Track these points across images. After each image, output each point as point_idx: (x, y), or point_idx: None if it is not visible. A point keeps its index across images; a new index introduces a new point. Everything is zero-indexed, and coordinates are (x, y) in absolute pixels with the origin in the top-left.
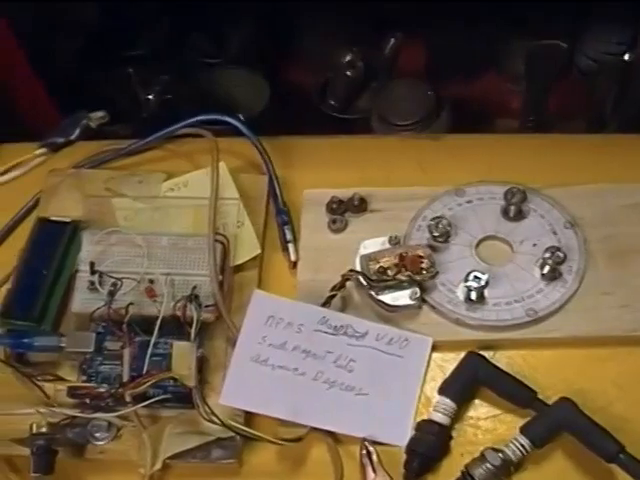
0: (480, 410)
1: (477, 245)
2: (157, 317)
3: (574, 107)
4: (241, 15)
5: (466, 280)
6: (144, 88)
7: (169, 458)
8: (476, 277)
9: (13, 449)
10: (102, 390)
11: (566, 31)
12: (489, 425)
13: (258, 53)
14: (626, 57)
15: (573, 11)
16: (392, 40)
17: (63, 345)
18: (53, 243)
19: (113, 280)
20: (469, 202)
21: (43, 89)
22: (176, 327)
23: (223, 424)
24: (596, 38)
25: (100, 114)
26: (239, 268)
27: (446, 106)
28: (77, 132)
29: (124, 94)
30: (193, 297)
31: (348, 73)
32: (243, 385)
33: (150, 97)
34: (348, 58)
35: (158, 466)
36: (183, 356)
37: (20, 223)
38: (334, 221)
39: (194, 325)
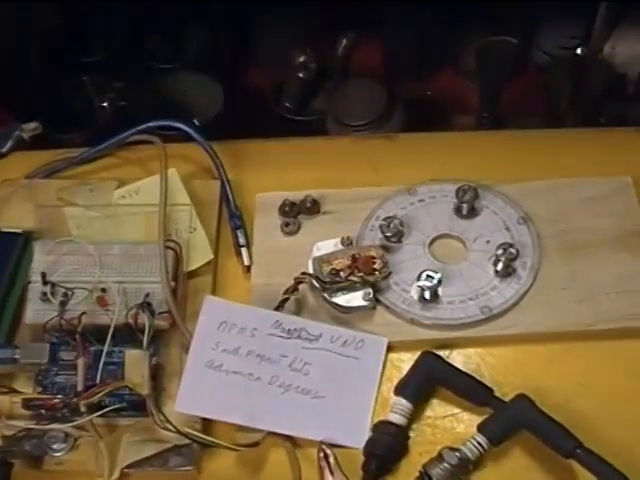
0: (438, 409)
1: (430, 244)
2: (108, 326)
3: (530, 103)
4: (195, 19)
5: (419, 279)
6: (99, 95)
7: (127, 467)
8: (429, 276)
9: None
10: (56, 401)
11: (521, 26)
12: (447, 424)
13: (212, 57)
14: (579, 51)
15: (527, 6)
16: (344, 40)
17: (17, 357)
18: (5, 254)
19: (64, 290)
20: (421, 201)
21: None
22: (130, 335)
23: (178, 432)
24: (550, 32)
25: (33, 125)
26: (193, 274)
27: (400, 105)
28: (9, 144)
29: (79, 101)
30: (145, 305)
31: (300, 75)
32: (198, 391)
33: (105, 104)
34: (301, 59)
35: (116, 475)
36: (136, 364)
37: None
38: (287, 224)
39: (146, 333)
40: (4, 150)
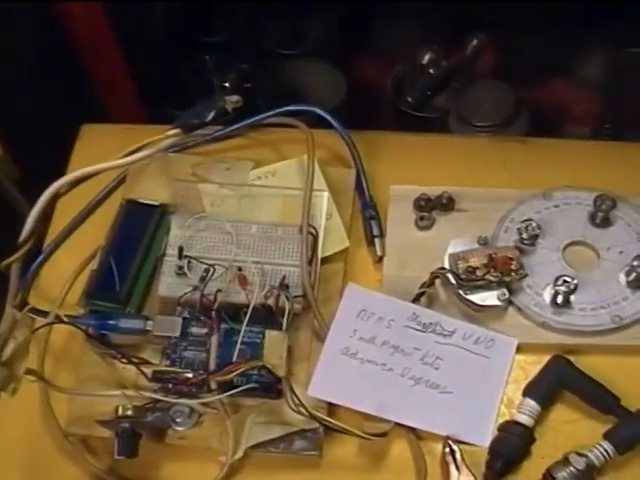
0: (561, 414)
1: (564, 249)
2: (243, 305)
3: None
4: (320, 7)
5: (555, 284)
6: (220, 76)
7: (250, 447)
8: (565, 281)
9: (93, 430)
10: (190, 376)
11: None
12: (569, 429)
13: (335, 46)
14: None
15: None
16: (475, 40)
17: (149, 329)
18: (142, 225)
19: (205, 266)
20: (556, 206)
21: (126, 73)
22: (263, 316)
23: (311, 416)
24: None
25: (235, 98)
26: (325, 260)
27: (525, 109)
28: (212, 115)
29: (199, 80)
30: (284, 287)
31: (431, 71)
32: (331, 378)
33: (226, 85)
34: (428, 56)
35: (239, 455)
36: (275, 346)
37: (102, 203)
38: (422, 218)
39: (286, 315)
40: (207, 120)
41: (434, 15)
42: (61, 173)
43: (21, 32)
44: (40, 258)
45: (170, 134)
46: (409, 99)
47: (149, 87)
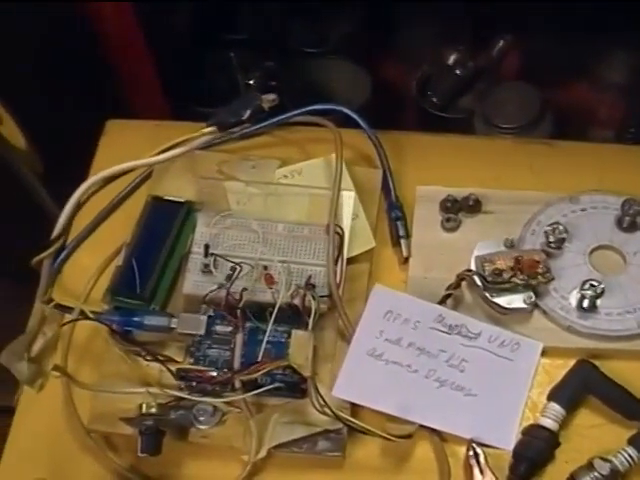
0: (586, 418)
1: (590, 253)
2: (269, 304)
3: None
4: (346, 5)
5: (582, 288)
6: (245, 74)
7: (273, 447)
8: (592, 285)
9: (115, 427)
10: (214, 374)
11: None
12: (594, 434)
13: (360, 45)
14: None
15: None
16: (501, 42)
17: (174, 326)
18: (167, 222)
19: (232, 264)
20: (583, 210)
21: (152, 70)
22: (288, 315)
23: (336, 416)
24: None
25: (272, 97)
26: (350, 260)
27: (549, 111)
28: (249, 112)
29: (224, 77)
30: (311, 286)
31: (457, 72)
32: (357, 378)
33: (251, 83)
34: (454, 57)
35: (263, 454)
36: (301, 345)
37: (126, 199)
38: (448, 220)
39: (312, 315)
40: (244, 118)
41: (460, 15)
42: (84, 169)
43: (49, 30)
44: (63, 254)
45: (206, 132)
46: (434, 99)
47: (173, 85)
